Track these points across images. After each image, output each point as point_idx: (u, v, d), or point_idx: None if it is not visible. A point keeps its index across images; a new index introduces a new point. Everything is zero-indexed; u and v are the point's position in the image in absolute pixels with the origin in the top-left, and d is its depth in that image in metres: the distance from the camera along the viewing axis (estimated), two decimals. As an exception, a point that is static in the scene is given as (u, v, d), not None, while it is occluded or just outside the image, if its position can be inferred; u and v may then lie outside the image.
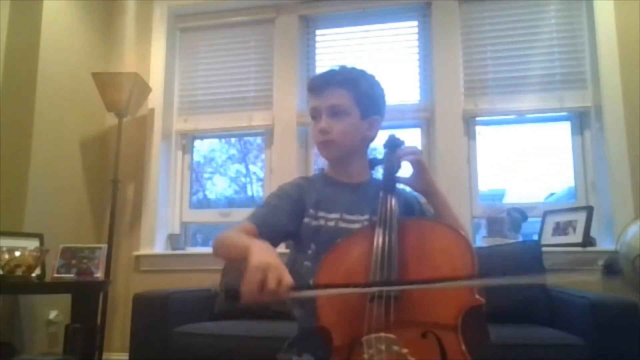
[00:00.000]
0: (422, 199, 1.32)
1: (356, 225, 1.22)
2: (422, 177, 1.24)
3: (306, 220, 1.23)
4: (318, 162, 2.98)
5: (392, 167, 1.25)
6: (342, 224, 1.22)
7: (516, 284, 0.88)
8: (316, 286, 0.93)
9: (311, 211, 1.23)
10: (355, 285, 0.97)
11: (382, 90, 1.33)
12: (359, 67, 1.32)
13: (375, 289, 0.94)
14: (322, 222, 1.22)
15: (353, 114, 1.25)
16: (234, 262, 1.03)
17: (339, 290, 0.95)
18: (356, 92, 1.26)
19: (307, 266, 1.17)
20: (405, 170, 1.26)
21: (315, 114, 1.28)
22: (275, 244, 1.18)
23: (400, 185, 1.25)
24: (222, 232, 1.16)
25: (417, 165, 1.24)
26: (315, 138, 1.29)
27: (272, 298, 0.86)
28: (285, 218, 1.22)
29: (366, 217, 1.23)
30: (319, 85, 1.27)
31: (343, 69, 1.30)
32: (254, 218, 1.20)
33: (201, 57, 3.24)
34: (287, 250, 1.37)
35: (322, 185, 1.30)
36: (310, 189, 1.28)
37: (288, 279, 0.87)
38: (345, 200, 1.26)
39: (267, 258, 0.90)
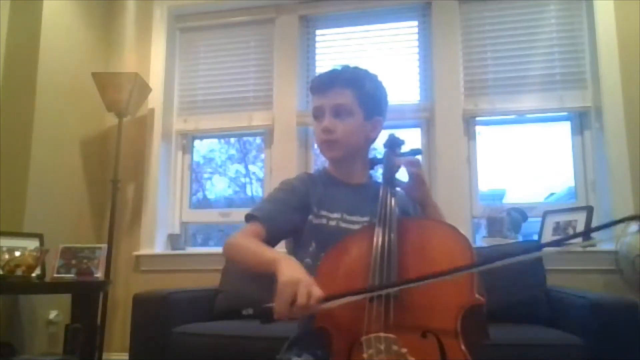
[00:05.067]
0: None
1: (356, 226, 1.22)
2: (419, 188, 1.25)
3: (310, 217, 1.23)
4: (318, 162, 2.98)
5: (391, 167, 1.25)
6: (343, 224, 1.22)
7: (512, 261, 0.87)
8: (342, 295, 0.93)
9: (314, 209, 1.23)
10: (375, 288, 0.95)
11: (385, 91, 1.33)
12: (361, 66, 1.31)
13: (391, 289, 0.93)
14: (324, 220, 1.22)
15: (357, 115, 1.25)
16: (250, 271, 1.06)
17: (364, 295, 0.94)
18: (360, 92, 1.25)
19: (308, 263, 1.17)
20: (404, 173, 1.26)
21: (318, 114, 1.27)
22: (280, 239, 1.20)
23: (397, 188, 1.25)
24: (234, 236, 1.15)
25: (415, 176, 1.23)
26: (318, 137, 1.28)
27: (303, 312, 0.88)
28: (292, 213, 1.22)
29: (366, 218, 1.23)
30: (323, 84, 1.27)
31: (347, 68, 1.30)
32: (260, 214, 1.18)
33: (201, 57, 3.24)
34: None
35: (324, 184, 1.30)
36: (315, 186, 1.28)
37: (317, 291, 0.89)
38: (346, 201, 1.26)
39: (296, 272, 0.92)
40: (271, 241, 1.17)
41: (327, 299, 0.90)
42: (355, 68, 1.30)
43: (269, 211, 1.20)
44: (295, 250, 1.24)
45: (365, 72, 1.30)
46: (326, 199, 1.25)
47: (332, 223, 1.22)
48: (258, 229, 1.16)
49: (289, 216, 1.21)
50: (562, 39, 2.75)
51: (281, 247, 1.28)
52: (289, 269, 0.94)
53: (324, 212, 1.23)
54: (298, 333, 1.21)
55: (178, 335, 2.04)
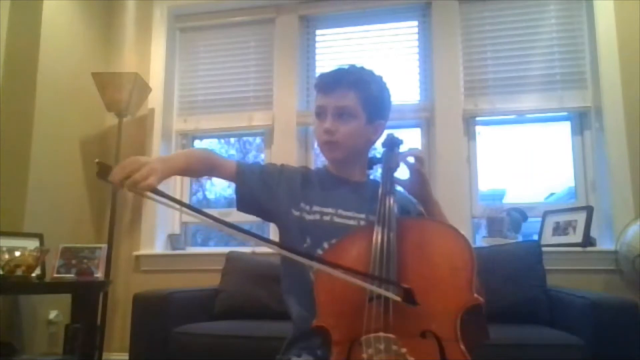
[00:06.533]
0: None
1: (352, 222, 1.22)
2: (420, 185, 1.24)
3: (297, 213, 1.23)
4: (318, 162, 2.97)
5: (390, 166, 1.24)
6: (338, 219, 1.22)
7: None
8: (178, 201, 0.99)
9: (304, 205, 1.23)
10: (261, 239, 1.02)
11: (389, 93, 1.32)
12: (367, 67, 1.30)
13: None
14: (317, 216, 1.22)
15: (359, 118, 1.24)
16: None
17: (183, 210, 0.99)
18: (365, 95, 1.24)
19: None
20: (404, 171, 1.25)
21: (320, 113, 1.27)
22: (246, 204, 1.26)
23: (397, 187, 1.25)
24: (205, 148, 1.26)
25: (417, 174, 1.23)
26: (319, 137, 1.27)
27: (130, 187, 0.92)
28: (262, 189, 1.25)
29: (362, 215, 1.23)
30: (328, 84, 1.26)
31: (353, 68, 1.28)
32: (245, 166, 1.26)
33: (201, 57, 3.24)
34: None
35: (322, 182, 1.30)
36: (308, 183, 1.29)
37: (154, 181, 0.94)
38: (342, 196, 1.26)
39: (154, 159, 0.97)
40: (241, 199, 1.25)
41: (157, 192, 0.94)
42: (362, 69, 1.29)
43: (250, 172, 1.26)
44: (290, 246, 1.23)
45: (371, 73, 1.29)
46: (320, 194, 1.26)
47: (326, 218, 1.22)
48: (231, 166, 1.24)
49: (259, 187, 1.25)
50: (562, 39, 2.75)
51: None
52: (157, 157, 1.02)
53: (316, 208, 1.23)
54: (297, 333, 1.21)
55: (178, 335, 2.04)
